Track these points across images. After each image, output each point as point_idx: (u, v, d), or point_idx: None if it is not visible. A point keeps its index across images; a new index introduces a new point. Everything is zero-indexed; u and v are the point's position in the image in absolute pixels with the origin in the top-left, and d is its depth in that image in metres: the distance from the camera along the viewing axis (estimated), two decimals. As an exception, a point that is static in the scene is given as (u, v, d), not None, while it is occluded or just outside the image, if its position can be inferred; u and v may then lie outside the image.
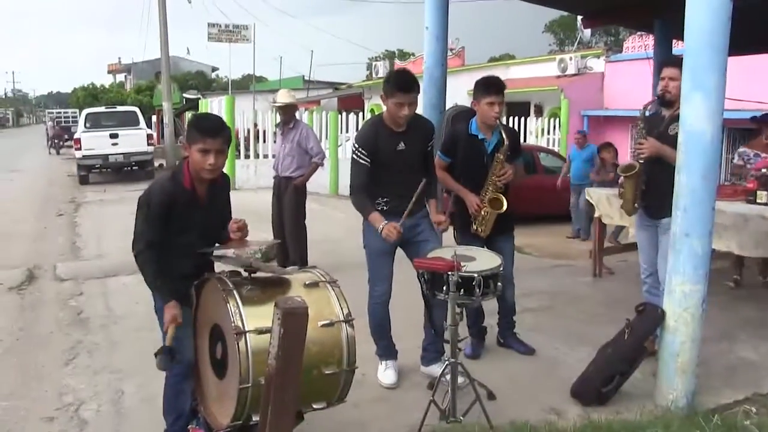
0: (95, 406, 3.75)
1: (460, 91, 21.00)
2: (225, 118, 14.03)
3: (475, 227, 4.07)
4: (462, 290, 3.18)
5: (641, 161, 3.96)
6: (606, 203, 6.07)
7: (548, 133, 16.09)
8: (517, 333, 4.45)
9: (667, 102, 3.98)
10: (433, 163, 3.98)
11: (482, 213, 4.03)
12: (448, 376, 3.28)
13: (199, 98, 23.31)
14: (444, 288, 3.18)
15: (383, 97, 3.70)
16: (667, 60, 4.07)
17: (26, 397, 3.91)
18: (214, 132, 2.73)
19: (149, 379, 4.04)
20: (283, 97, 6.70)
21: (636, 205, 4.07)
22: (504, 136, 3.98)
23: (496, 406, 3.44)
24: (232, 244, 2.89)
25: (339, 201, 12.86)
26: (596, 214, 6.33)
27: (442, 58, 5.91)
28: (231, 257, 2.84)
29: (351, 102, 22.42)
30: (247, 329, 2.49)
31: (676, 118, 3.96)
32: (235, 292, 2.60)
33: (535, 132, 15.89)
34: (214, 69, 49.12)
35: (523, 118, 15.99)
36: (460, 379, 3.26)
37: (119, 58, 55.19)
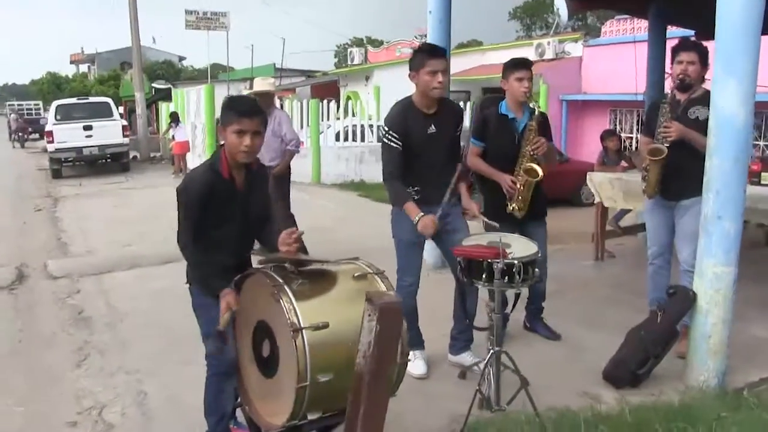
0: (119, 409, 3.63)
1: (435, 77, 21.05)
2: (204, 108, 13.93)
3: (511, 207, 4.03)
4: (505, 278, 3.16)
5: (667, 144, 3.96)
6: (609, 186, 6.11)
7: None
8: (544, 318, 4.45)
9: (686, 85, 3.99)
10: (460, 149, 3.94)
11: (518, 187, 3.99)
12: (481, 365, 3.26)
13: (170, 88, 22.83)
14: (484, 276, 3.15)
15: (412, 74, 3.62)
16: (684, 43, 4.05)
17: (43, 402, 3.78)
18: (251, 112, 2.65)
19: (170, 378, 3.96)
20: (261, 85, 6.43)
21: (656, 189, 4.08)
22: (536, 111, 3.97)
23: (531, 393, 3.43)
24: (284, 257, 2.80)
25: (323, 190, 12.75)
26: (596, 199, 6.37)
27: (446, 44, 5.85)
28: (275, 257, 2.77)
29: (325, 90, 22.19)
30: (303, 326, 2.42)
31: (694, 102, 4.00)
32: (286, 287, 2.52)
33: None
34: (181, 58, 48.17)
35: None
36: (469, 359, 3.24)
37: (82, 48, 53.83)
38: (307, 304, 2.51)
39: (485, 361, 3.15)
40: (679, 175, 4.02)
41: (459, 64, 21.49)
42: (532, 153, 3.95)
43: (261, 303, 2.63)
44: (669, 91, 4.14)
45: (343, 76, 22.51)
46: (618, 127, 14.67)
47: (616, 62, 13.37)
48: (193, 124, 15.49)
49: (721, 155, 3.32)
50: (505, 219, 4.07)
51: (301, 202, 10.45)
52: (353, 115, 16.00)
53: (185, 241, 2.73)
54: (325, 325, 2.45)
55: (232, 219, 2.78)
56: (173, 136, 15.56)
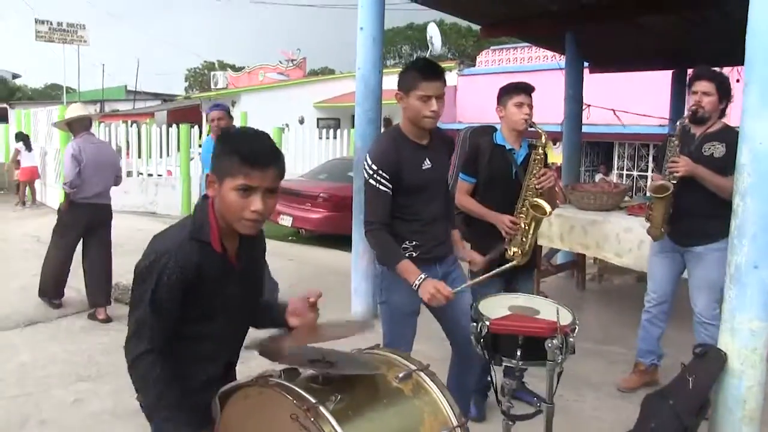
0: None
1: (304, 104, 20.37)
2: (60, 132, 12.03)
3: (511, 252, 3.39)
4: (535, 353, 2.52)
5: (674, 181, 3.58)
6: (545, 224, 5.73)
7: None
8: (526, 382, 3.86)
9: (699, 118, 3.64)
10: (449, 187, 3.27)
11: (521, 226, 3.38)
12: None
13: (6, 108, 20.00)
14: (519, 352, 2.49)
15: (399, 95, 2.89)
16: (699, 72, 3.69)
17: None
18: (266, 159, 1.74)
19: None
20: (78, 110, 5.61)
21: (663, 229, 3.68)
22: (540, 139, 3.40)
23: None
24: (299, 336, 1.94)
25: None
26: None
27: (379, 63, 5.21)
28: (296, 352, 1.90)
29: (184, 114, 20.64)
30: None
31: (710, 137, 3.65)
32: (322, 409, 1.68)
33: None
34: (15, 76, 42.90)
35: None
36: None
37: None
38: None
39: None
40: (689, 217, 3.66)
41: (329, 90, 21.06)
42: (538, 187, 3.38)
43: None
44: (680, 124, 3.74)
45: (206, 101, 21.05)
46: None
47: (490, 91, 13.52)
48: (43, 150, 13.38)
49: (758, 196, 2.93)
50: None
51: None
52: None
53: (139, 351, 1.75)
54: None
55: (224, 309, 1.87)
56: (18, 162, 13.37)
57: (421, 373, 2.01)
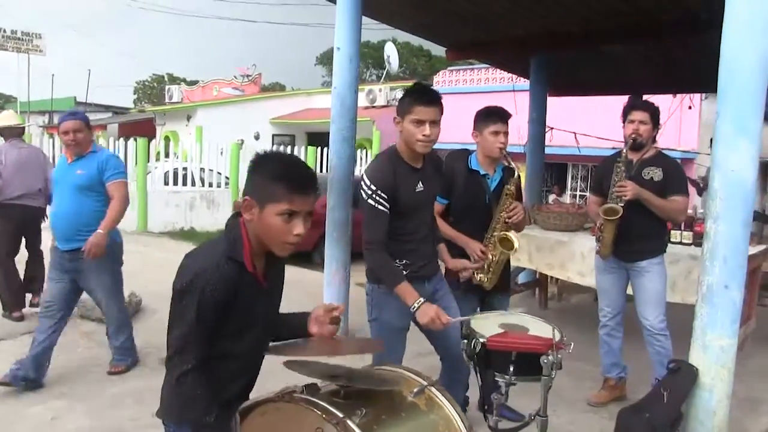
0: None
1: (260, 120, 20.27)
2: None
3: (478, 278, 3.51)
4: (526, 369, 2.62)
5: (622, 204, 3.81)
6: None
7: (360, 164, 16.03)
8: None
9: (638, 145, 3.90)
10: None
11: (489, 257, 3.48)
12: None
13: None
14: (511, 368, 2.59)
15: (397, 120, 2.99)
16: (635, 103, 4.02)
17: None
18: (311, 185, 1.82)
19: None
20: (9, 118, 5.84)
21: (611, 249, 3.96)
22: (511, 168, 3.52)
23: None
24: (316, 346, 1.97)
25: (154, 239, 11.30)
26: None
27: (354, 83, 5.28)
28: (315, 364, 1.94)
29: (135, 128, 20.25)
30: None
31: (647, 162, 3.95)
32: (350, 423, 1.73)
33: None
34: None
35: (326, 149, 15.73)
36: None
37: None
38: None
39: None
40: (631, 236, 3.94)
41: (284, 106, 21.03)
42: (507, 220, 3.51)
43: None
44: (624, 150, 3.97)
45: (160, 114, 20.71)
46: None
47: (450, 112, 13.74)
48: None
49: (729, 220, 3.12)
50: (469, 289, 3.59)
51: (139, 255, 9.06)
52: (176, 156, 14.63)
53: (185, 368, 1.75)
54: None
55: (252, 327, 1.90)
56: None
57: (433, 388, 2.09)
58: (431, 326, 2.84)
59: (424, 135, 2.92)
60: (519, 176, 3.60)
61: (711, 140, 6.72)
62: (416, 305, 2.84)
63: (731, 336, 3.20)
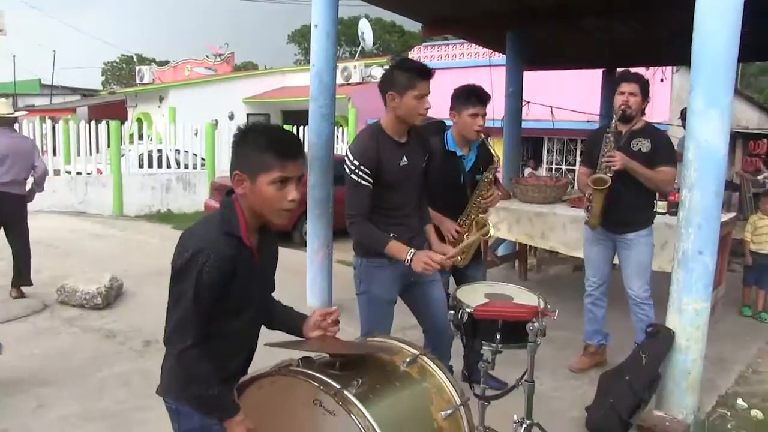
0: None
1: (233, 100, 20.06)
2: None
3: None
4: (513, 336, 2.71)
5: (611, 174, 3.86)
6: (494, 216, 5.99)
7: (337, 142, 16.01)
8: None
9: (627, 117, 3.94)
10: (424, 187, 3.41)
11: (464, 238, 3.56)
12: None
13: None
14: (498, 336, 2.67)
15: (391, 95, 3.00)
16: (625, 74, 4.03)
17: None
18: (298, 150, 1.84)
19: None
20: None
21: (599, 219, 4.02)
22: (489, 152, 3.58)
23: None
24: (316, 343, 2.03)
25: (131, 223, 11.19)
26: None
27: (333, 60, 5.29)
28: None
29: (106, 110, 19.91)
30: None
31: (636, 134, 3.99)
32: (347, 393, 1.80)
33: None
34: None
35: (303, 127, 15.67)
36: None
37: None
38: (383, 415, 1.81)
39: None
40: (620, 207, 3.97)
41: (258, 86, 20.83)
42: (483, 206, 3.60)
43: (309, 421, 1.86)
44: (614, 121, 4.03)
45: (132, 96, 20.35)
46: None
47: (425, 88, 13.77)
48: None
49: (703, 189, 3.24)
50: None
51: (117, 239, 9.02)
52: (150, 139, 14.47)
53: (184, 345, 1.78)
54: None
55: (249, 305, 1.93)
56: None
57: (424, 357, 2.16)
58: (427, 271, 2.91)
59: (426, 109, 3.01)
60: (497, 162, 3.68)
61: (681, 112, 6.87)
62: (409, 257, 2.92)
63: (705, 300, 3.34)
